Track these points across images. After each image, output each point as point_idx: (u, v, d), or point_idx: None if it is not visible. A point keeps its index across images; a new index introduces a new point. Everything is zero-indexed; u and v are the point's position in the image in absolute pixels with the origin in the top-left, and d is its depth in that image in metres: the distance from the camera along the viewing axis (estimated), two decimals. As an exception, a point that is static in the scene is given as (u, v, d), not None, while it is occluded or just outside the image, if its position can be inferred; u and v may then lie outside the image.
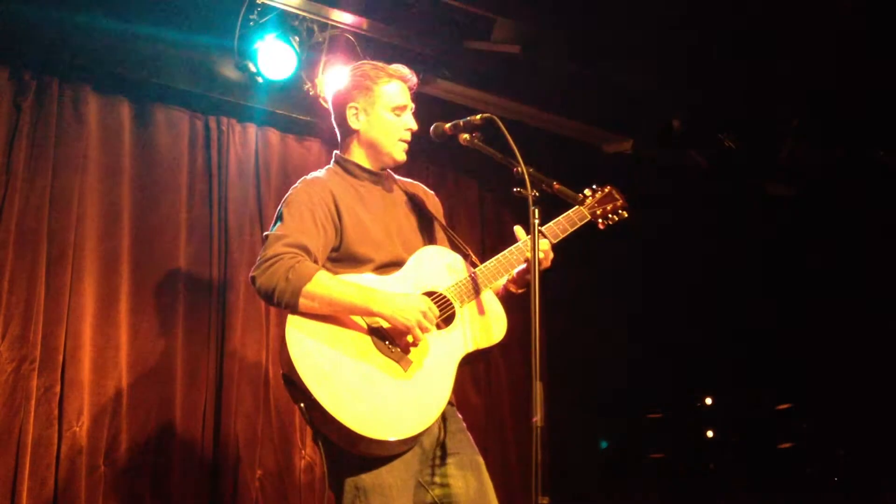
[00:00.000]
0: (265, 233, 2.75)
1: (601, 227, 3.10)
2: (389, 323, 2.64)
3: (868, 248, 5.36)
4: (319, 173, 2.93)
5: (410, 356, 2.67)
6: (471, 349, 2.76)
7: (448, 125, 2.85)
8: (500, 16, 4.38)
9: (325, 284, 2.59)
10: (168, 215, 4.23)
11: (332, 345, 2.61)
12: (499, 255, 2.87)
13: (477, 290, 2.83)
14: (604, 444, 5.85)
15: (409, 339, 2.66)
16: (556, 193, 2.61)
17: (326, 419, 2.51)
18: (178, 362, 4.10)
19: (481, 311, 2.83)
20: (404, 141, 2.91)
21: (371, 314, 2.64)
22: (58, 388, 3.72)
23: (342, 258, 2.79)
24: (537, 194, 2.53)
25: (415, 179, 3.14)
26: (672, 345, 5.70)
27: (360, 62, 3.01)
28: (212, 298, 4.27)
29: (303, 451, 4.33)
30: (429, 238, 3.01)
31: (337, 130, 2.99)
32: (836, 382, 5.39)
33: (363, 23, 4.28)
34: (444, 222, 3.09)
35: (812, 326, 5.51)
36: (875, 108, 4.88)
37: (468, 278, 2.83)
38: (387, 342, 2.66)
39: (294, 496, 4.27)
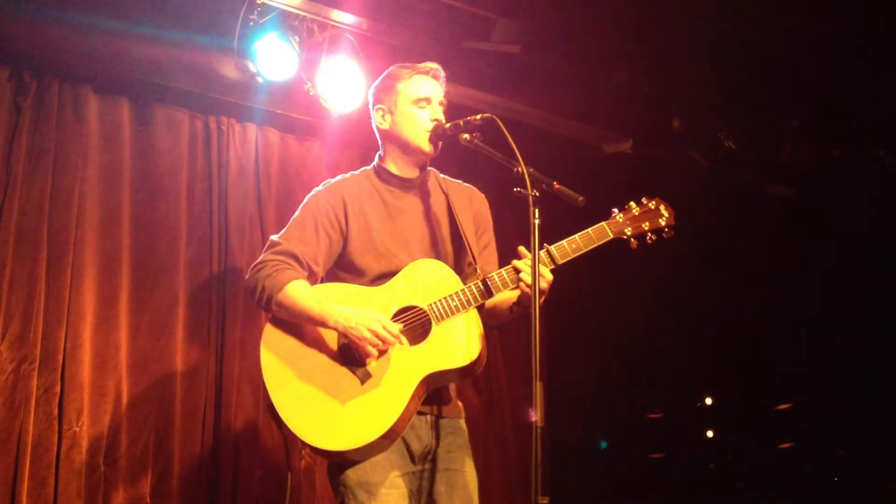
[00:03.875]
0: (271, 236, 2.85)
1: (634, 245, 2.90)
2: (344, 338, 2.70)
3: (868, 248, 5.36)
4: (347, 175, 2.99)
5: (371, 370, 2.69)
6: (433, 369, 2.69)
7: (448, 125, 2.85)
8: (500, 16, 4.37)
9: (292, 296, 2.72)
10: (168, 215, 4.23)
11: (298, 354, 2.73)
12: (492, 274, 2.78)
13: (457, 310, 2.74)
14: (604, 444, 5.85)
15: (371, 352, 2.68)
16: (556, 193, 2.59)
17: (281, 423, 2.66)
18: (178, 362, 4.10)
19: (455, 331, 2.73)
20: (429, 131, 2.87)
21: (327, 327, 2.72)
22: (58, 388, 3.72)
23: (345, 265, 2.86)
24: (537, 194, 2.52)
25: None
26: (672, 345, 5.70)
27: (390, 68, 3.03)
28: (212, 298, 4.27)
29: (303, 452, 4.33)
30: (453, 246, 2.95)
31: (376, 135, 3.03)
32: (837, 382, 5.39)
33: (363, 23, 4.28)
34: (472, 231, 2.99)
35: (812, 326, 5.51)
36: (875, 108, 4.88)
37: (452, 296, 2.75)
38: (350, 356, 2.71)
39: (294, 497, 4.27)
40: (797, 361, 5.50)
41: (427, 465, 2.78)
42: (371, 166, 3.02)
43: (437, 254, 2.92)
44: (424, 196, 2.99)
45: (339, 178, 2.99)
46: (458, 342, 2.71)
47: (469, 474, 2.82)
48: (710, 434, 5.81)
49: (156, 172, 4.25)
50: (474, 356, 2.68)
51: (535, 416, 2.26)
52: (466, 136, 2.79)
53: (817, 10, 4.17)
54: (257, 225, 4.49)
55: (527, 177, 2.51)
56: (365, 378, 2.69)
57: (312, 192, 2.94)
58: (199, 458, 4.06)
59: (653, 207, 2.91)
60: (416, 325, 2.76)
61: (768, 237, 5.68)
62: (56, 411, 3.69)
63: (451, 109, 3.08)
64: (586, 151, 5.41)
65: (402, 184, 2.95)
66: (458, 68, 4.54)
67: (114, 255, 4.04)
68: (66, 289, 3.82)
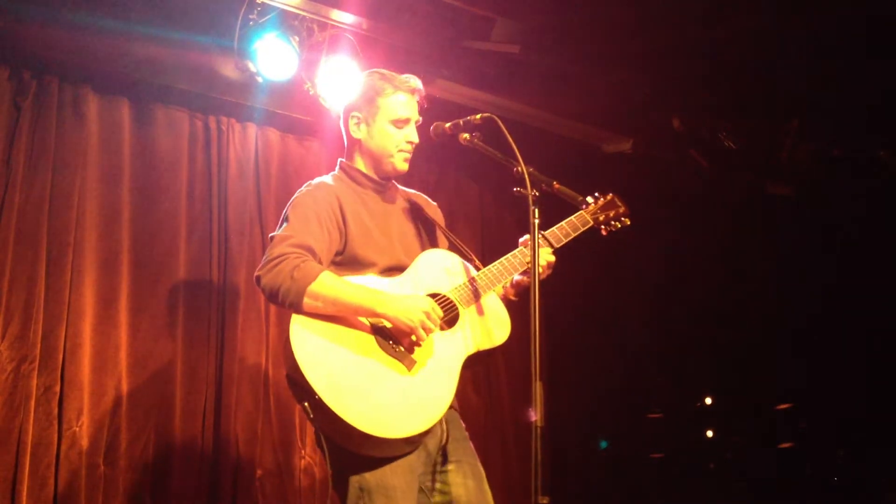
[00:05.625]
0: (270, 234, 2.77)
1: (604, 233, 3.13)
2: (392, 324, 2.64)
3: (867, 248, 5.36)
4: (325, 178, 2.94)
5: (414, 356, 2.67)
6: (472, 350, 2.77)
7: (448, 125, 2.85)
8: (500, 16, 4.37)
9: (329, 285, 2.60)
10: (168, 215, 4.23)
11: (336, 344, 2.61)
12: (501, 259, 2.89)
13: (480, 293, 2.84)
14: (604, 444, 5.85)
15: (413, 339, 2.65)
16: (555, 193, 2.61)
17: (331, 418, 2.50)
18: (178, 362, 4.10)
19: (484, 313, 2.85)
20: (404, 152, 2.89)
21: (375, 315, 2.65)
22: (58, 388, 3.72)
23: (346, 262, 2.79)
24: (537, 194, 2.53)
25: (415, 179, 3.15)
26: (672, 345, 5.70)
27: (371, 70, 2.98)
28: (212, 298, 4.27)
29: (303, 452, 4.33)
30: (431, 244, 3.02)
31: (343, 136, 3.01)
32: (837, 382, 5.38)
33: (363, 22, 4.28)
34: (445, 228, 3.09)
35: (812, 325, 5.51)
36: (875, 108, 4.88)
37: (471, 281, 2.85)
38: (390, 342, 2.66)
39: (294, 497, 4.27)
40: (797, 361, 5.50)
41: (439, 458, 2.73)
42: (338, 169, 2.98)
43: (427, 247, 2.96)
44: (393, 198, 3.01)
45: (317, 180, 2.92)
46: (491, 321, 2.83)
47: (477, 463, 2.80)
48: (710, 434, 5.81)
49: (156, 172, 4.25)
50: (508, 331, 2.83)
51: (535, 416, 2.26)
52: (466, 135, 2.80)
53: (818, 10, 4.17)
54: (257, 225, 4.49)
55: (526, 176, 2.52)
56: (411, 365, 2.65)
57: (300, 194, 2.85)
58: (199, 458, 4.05)
59: (609, 199, 3.16)
60: (445, 311, 2.77)
61: (768, 237, 5.68)
62: (56, 411, 3.69)
63: (451, 109, 3.09)
64: (586, 151, 5.41)
65: (375, 187, 2.95)
66: (458, 68, 4.56)
67: (114, 255, 4.03)
68: (65, 289, 3.82)
